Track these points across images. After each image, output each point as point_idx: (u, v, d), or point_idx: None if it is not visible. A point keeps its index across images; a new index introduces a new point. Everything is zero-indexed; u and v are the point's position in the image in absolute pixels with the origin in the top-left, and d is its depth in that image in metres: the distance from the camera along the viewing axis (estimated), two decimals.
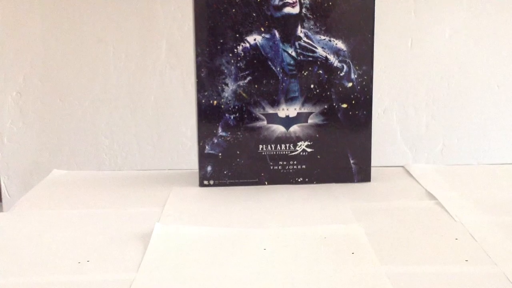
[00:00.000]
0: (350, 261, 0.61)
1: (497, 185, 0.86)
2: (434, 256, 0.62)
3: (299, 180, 0.67)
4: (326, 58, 0.63)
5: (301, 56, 0.63)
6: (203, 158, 0.66)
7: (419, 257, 0.62)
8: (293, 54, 0.62)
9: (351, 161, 0.67)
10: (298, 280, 0.57)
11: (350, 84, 0.64)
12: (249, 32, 0.61)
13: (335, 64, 0.63)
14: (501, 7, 1.38)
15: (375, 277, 0.58)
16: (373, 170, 0.88)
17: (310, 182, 0.67)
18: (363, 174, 0.67)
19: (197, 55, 0.61)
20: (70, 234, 0.70)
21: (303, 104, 0.64)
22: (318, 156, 0.66)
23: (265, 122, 0.64)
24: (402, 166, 0.95)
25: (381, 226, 0.71)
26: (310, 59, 0.63)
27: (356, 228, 0.69)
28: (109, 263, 0.62)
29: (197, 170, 0.79)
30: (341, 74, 0.64)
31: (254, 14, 0.60)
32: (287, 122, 0.64)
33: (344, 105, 0.65)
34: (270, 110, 0.64)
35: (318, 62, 0.63)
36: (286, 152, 0.66)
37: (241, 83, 0.63)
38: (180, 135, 1.46)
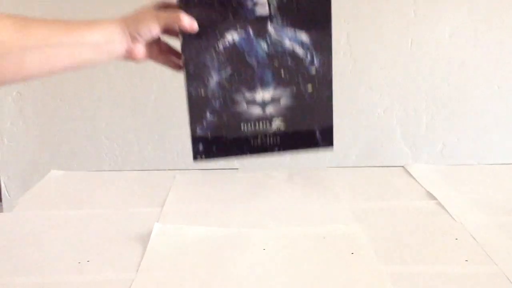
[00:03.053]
0: (350, 261, 0.61)
1: (497, 185, 0.86)
2: (434, 256, 0.62)
3: (275, 149, 0.79)
4: (293, 48, 0.75)
5: (272, 49, 0.75)
6: (195, 139, 0.76)
7: (419, 257, 0.62)
8: (265, 47, 0.75)
9: (317, 133, 0.79)
10: (298, 280, 0.57)
11: (313, 70, 0.76)
12: (227, 30, 0.73)
13: (300, 54, 0.76)
14: (501, 7, 1.38)
15: (375, 277, 0.58)
16: (373, 170, 0.89)
17: (284, 151, 0.79)
18: (327, 141, 0.80)
19: (184, 52, 0.72)
20: (70, 234, 0.70)
21: (275, 89, 0.76)
22: (291, 131, 0.77)
23: (245, 105, 0.75)
24: (402, 166, 0.95)
25: (381, 226, 0.71)
26: (280, 50, 0.75)
27: (355, 228, 0.69)
28: (109, 263, 0.62)
29: (197, 170, 0.80)
30: (306, 62, 0.76)
31: (231, 16, 0.72)
32: (263, 104, 0.76)
33: (310, 87, 0.77)
34: (249, 96, 0.75)
35: (287, 53, 0.75)
36: (264, 129, 0.77)
37: (223, 74, 0.74)
38: (180, 135, 1.46)
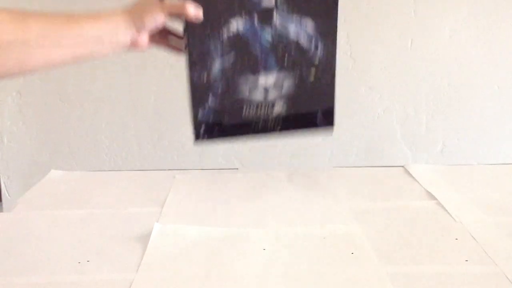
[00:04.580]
0: (350, 261, 0.61)
1: (497, 185, 0.86)
2: (434, 256, 0.62)
3: (277, 131, 0.79)
4: (297, 36, 0.75)
5: (276, 38, 0.75)
6: (197, 123, 0.76)
7: (419, 257, 0.62)
8: (269, 36, 0.75)
9: (318, 113, 0.79)
10: (298, 280, 0.57)
11: (317, 56, 0.77)
12: (232, 16, 0.73)
13: (305, 43, 0.76)
14: (501, 7, 1.38)
15: (375, 277, 0.58)
16: (373, 170, 0.89)
17: (286, 131, 0.79)
18: (327, 121, 0.80)
19: (188, 37, 0.71)
20: (70, 234, 0.70)
21: (278, 74, 0.76)
22: (292, 114, 0.78)
23: (247, 90, 0.76)
24: (402, 166, 0.95)
25: (381, 226, 0.71)
26: (284, 37, 0.75)
27: (355, 228, 0.69)
28: (109, 263, 0.62)
29: (197, 170, 0.80)
30: (310, 48, 0.76)
31: (236, 5, 0.72)
32: (266, 89, 0.76)
33: (313, 72, 0.77)
34: (252, 80, 0.75)
35: (291, 40, 0.75)
36: (266, 113, 0.77)
37: (226, 61, 0.74)
38: (180, 135, 1.46)
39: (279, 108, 0.77)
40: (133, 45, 0.66)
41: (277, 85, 0.77)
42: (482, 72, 1.42)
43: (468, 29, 1.39)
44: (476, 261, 0.61)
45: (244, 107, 0.77)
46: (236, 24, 0.73)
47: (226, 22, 0.73)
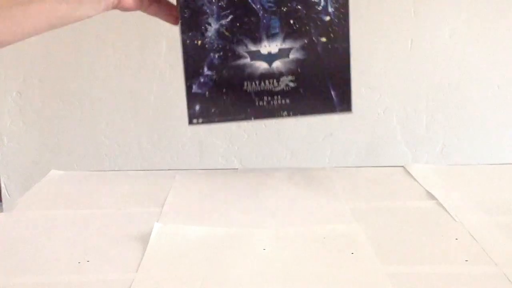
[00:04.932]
0: (350, 261, 0.61)
1: (497, 185, 0.86)
2: (434, 256, 0.62)
3: (284, 114, 0.68)
4: None
5: None
6: (191, 97, 0.66)
7: (419, 257, 0.62)
8: None
9: (332, 93, 0.68)
10: (298, 280, 0.57)
11: (328, 18, 0.66)
12: None
13: None
14: (501, 7, 1.38)
15: (375, 277, 0.58)
16: (373, 170, 0.88)
17: (294, 115, 0.69)
18: (344, 104, 0.69)
19: None
20: (70, 234, 0.70)
21: (284, 40, 0.66)
22: (301, 90, 0.67)
23: (248, 60, 0.65)
24: (402, 166, 0.95)
25: (381, 226, 0.71)
26: None
27: (355, 228, 0.69)
28: (109, 263, 0.62)
29: (197, 170, 0.79)
30: (318, 8, 0.65)
31: None
32: (270, 58, 0.66)
33: (323, 39, 0.66)
34: (253, 48, 0.65)
35: None
36: (270, 88, 0.67)
37: (223, 22, 0.64)
38: (180, 135, 1.46)
39: (285, 82, 0.67)
40: (118, 2, 0.60)
41: (283, 54, 0.66)
42: (482, 72, 1.42)
43: (468, 29, 1.39)
44: (476, 261, 0.61)
45: (246, 80, 0.67)
46: None
47: None
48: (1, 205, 1.51)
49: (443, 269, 0.59)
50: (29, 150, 1.48)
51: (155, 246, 0.65)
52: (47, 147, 1.48)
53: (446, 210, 0.75)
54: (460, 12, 1.38)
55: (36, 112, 1.46)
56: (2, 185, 1.51)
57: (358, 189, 0.85)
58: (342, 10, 0.66)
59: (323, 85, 0.69)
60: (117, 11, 0.65)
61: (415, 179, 0.89)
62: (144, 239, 0.67)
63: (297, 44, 0.66)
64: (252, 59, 0.66)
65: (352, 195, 0.82)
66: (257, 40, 0.65)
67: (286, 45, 0.66)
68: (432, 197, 0.81)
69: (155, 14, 0.66)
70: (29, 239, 0.68)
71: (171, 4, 0.65)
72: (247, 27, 0.65)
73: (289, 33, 0.66)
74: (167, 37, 1.39)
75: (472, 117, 1.45)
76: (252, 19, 0.65)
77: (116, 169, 1.46)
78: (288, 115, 0.68)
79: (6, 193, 1.51)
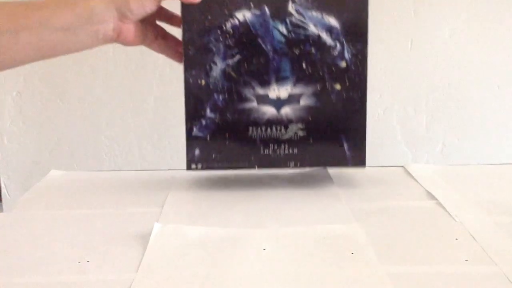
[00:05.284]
0: (350, 261, 0.61)
1: (497, 185, 0.86)
2: (434, 256, 0.62)
3: (291, 164, 0.64)
4: (319, 35, 0.60)
5: (292, 34, 0.60)
6: (191, 140, 0.63)
7: (419, 257, 0.62)
8: (284, 31, 0.59)
9: (345, 145, 0.64)
10: (298, 280, 0.57)
11: (344, 64, 0.62)
12: (238, 8, 0.58)
13: (328, 42, 0.61)
14: (501, 7, 1.38)
15: (375, 277, 0.58)
16: (373, 170, 0.88)
17: (302, 166, 0.65)
18: (357, 158, 0.65)
19: (184, 32, 0.58)
20: (70, 234, 0.70)
21: (294, 85, 0.61)
22: (311, 140, 0.63)
23: (255, 103, 0.61)
24: (402, 166, 0.95)
25: (381, 226, 0.71)
26: (302, 37, 0.60)
27: (355, 228, 0.69)
28: (109, 263, 0.62)
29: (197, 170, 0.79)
30: (334, 53, 0.61)
31: None
32: (278, 103, 0.61)
33: (338, 86, 0.63)
34: (260, 91, 0.61)
35: (310, 40, 0.60)
36: (277, 135, 0.63)
37: (230, 61, 0.60)
38: (180, 135, 1.46)
39: (294, 130, 0.63)
40: (117, 36, 0.57)
41: (293, 100, 0.61)
42: (482, 72, 1.42)
43: (468, 29, 1.39)
44: (476, 261, 0.61)
45: (251, 125, 0.62)
46: (243, 15, 0.59)
47: (231, 11, 0.59)
48: (1, 205, 1.51)
49: (443, 269, 0.59)
50: (29, 150, 1.48)
51: (155, 246, 0.65)
52: (47, 147, 1.48)
53: (446, 210, 0.75)
54: (460, 12, 1.38)
55: (36, 112, 1.46)
56: (2, 185, 1.51)
57: (358, 189, 0.85)
58: (359, 57, 0.63)
59: (335, 136, 0.64)
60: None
61: (415, 179, 0.89)
62: (144, 239, 0.67)
63: (308, 90, 0.62)
64: (259, 103, 0.62)
65: (352, 195, 0.82)
66: (265, 83, 0.61)
67: (297, 90, 0.62)
68: (432, 197, 0.81)
69: (160, 51, 0.62)
70: (29, 239, 0.68)
71: (177, 40, 0.61)
72: (255, 68, 0.60)
73: (301, 78, 0.61)
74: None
75: (472, 117, 1.44)
76: (261, 60, 0.60)
77: (116, 169, 1.46)
78: (295, 165, 0.64)
79: (6, 193, 1.51)
